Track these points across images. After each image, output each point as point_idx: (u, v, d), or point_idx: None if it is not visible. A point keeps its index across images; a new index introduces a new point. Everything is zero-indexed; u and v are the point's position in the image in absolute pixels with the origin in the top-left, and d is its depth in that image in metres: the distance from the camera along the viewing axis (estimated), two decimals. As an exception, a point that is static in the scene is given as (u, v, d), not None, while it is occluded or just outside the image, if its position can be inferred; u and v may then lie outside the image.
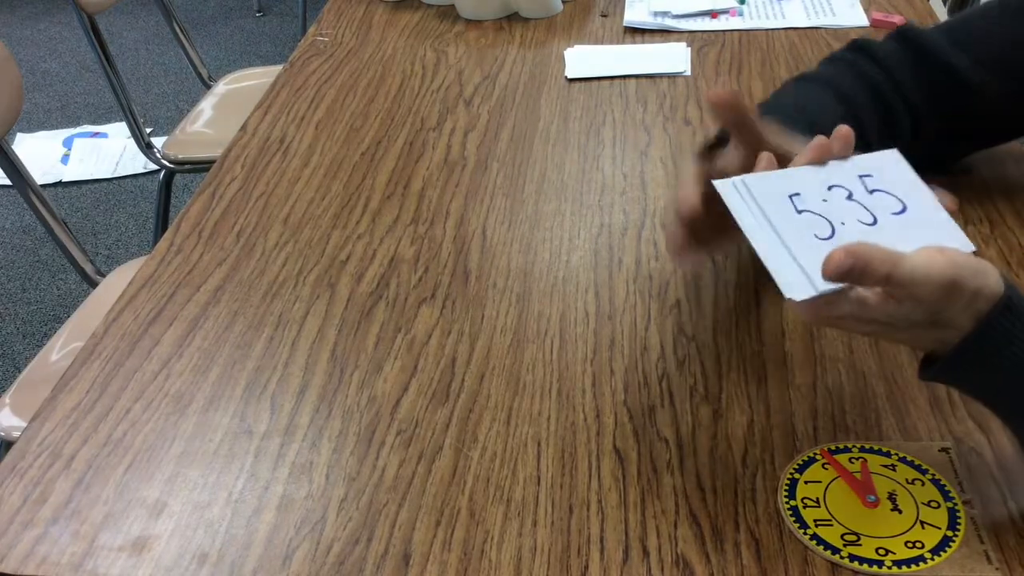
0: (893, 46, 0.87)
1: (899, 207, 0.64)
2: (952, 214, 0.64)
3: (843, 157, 0.66)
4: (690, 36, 1.28)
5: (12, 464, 0.71)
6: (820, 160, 0.65)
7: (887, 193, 0.65)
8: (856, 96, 0.83)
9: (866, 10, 1.31)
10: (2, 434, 1.20)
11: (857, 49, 0.88)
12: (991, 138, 0.92)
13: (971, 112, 0.86)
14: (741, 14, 1.33)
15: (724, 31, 1.29)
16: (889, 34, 0.88)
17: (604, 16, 1.36)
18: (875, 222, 0.63)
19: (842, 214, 0.63)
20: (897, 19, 1.26)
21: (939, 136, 0.87)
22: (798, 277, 0.59)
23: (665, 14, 1.33)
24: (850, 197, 0.64)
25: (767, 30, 1.29)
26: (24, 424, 0.75)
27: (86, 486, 0.69)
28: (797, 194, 0.64)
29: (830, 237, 0.62)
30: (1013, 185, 0.93)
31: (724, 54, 1.23)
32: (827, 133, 0.77)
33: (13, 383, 1.27)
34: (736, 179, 0.63)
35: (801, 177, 0.65)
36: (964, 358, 0.57)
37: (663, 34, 1.30)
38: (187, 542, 0.64)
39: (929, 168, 0.91)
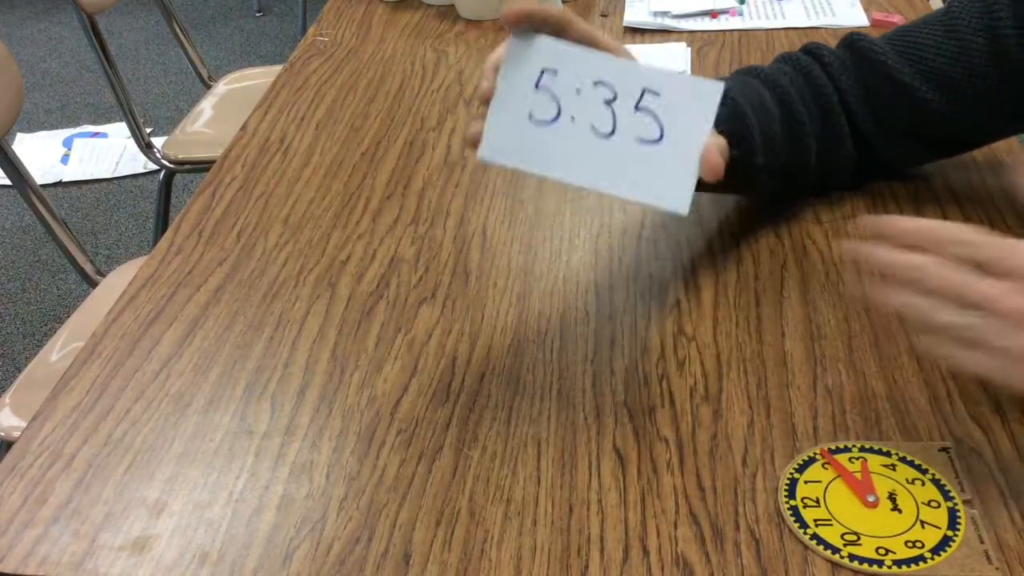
0: (841, 53, 0.88)
1: (654, 135, 0.61)
2: (712, 177, 0.62)
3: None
4: (690, 36, 1.28)
5: (12, 464, 0.71)
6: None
7: (655, 118, 0.61)
8: (791, 90, 0.84)
9: (866, 10, 1.31)
10: (2, 434, 1.20)
11: (808, 52, 0.89)
12: (943, 149, 0.92)
13: (917, 123, 0.86)
14: (741, 14, 1.33)
15: (724, 31, 1.29)
16: (840, 41, 0.90)
17: (604, 16, 1.36)
18: (610, 134, 0.61)
19: (581, 111, 0.61)
20: (897, 19, 1.26)
21: (888, 144, 0.88)
22: (486, 141, 0.61)
23: (665, 14, 1.33)
24: (610, 102, 0.62)
25: (767, 30, 1.29)
26: (24, 424, 0.76)
27: (86, 486, 0.69)
28: (555, 71, 0.62)
29: (545, 123, 0.61)
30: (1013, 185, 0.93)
31: (724, 54, 1.23)
32: (753, 128, 0.79)
33: (13, 383, 1.27)
34: (520, 36, 0.63)
35: (582, 60, 0.62)
36: None
37: (663, 34, 1.30)
38: (187, 542, 0.64)
39: (885, 174, 0.92)
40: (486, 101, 0.64)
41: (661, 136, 0.61)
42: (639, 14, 1.34)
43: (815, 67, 0.87)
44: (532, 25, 0.64)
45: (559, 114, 0.62)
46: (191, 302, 0.86)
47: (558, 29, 0.66)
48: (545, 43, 0.63)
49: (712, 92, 0.62)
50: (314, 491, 0.67)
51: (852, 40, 0.88)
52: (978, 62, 0.82)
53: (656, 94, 0.62)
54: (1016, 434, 0.68)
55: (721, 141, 0.65)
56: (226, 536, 0.64)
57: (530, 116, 0.62)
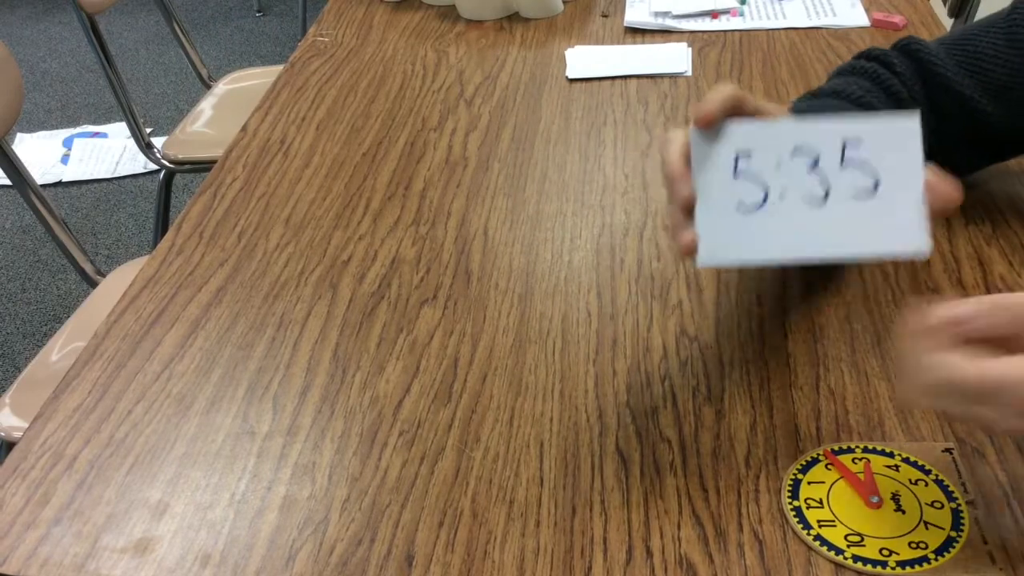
0: (901, 59, 0.85)
1: (869, 185, 0.59)
2: (947, 210, 0.60)
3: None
4: (691, 36, 1.28)
5: (14, 465, 0.71)
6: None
7: (862, 168, 0.59)
8: (876, 106, 0.82)
9: (867, 10, 1.31)
10: (2, 434, 1.20)
11: (872, 58, 0.86)
12: (997, 156, 0.90)
13: (974, 133, 0.84)
14: (742, 14, 1.33)
15: (725, 31, 1.29)
16: (894, 46, 0.87)
17: (605, 16, 1.36)
18: (824, 199, 0.59)
19: (788, 185, 0.60)
20: (898, 19, 1.26)
21: (943, 153, 0.84)
22: (703, 245, 0.59)
23: (666, 14, 1.33)
24: (814, 165, 0.60)
25: (768, 30, 1.29)
26: (24, 424, 0.75)
27: (88, 487, 0.69)
28: (748, 153, 0.60)
29: (756, 208, 0.59)
30: (1014, 185, 0.93)
31: (725, 54, 1.23)
32: None
33: (13, 383, 1.27)
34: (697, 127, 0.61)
35: (771, 133, 0.61)
36: None
37: (664, 34, 1.29)
38: (189, 543, 0.64)
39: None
40: (687, 208, 0.62)
41: (877, 185, 0.59)
42: (640, 14, 1.34)
43: (891, 78, 0.84)
44: (719, 119, 0.63)
45: (767, 195, 0.60)
46: (192, 303, 0.85)
47: (737, 109, 0.64)
48: (729, 129, 0.61)
49: (911, 123, 0.60)
50: (316, 492, 0.67)
51: (911, 48, 0.85)
52: None
53: (856, 144, 0.60)
54: (1019, 435, 0.68)
55: (936, 168, 0.62)
56: (228, 537, 0.64)
57: (739, 206, 0.60)
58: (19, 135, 2.99)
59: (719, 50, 1.24)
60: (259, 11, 3.79)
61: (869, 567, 0.59)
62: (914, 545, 0.60)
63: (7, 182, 1.42)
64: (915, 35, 0.87)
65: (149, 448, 0.71)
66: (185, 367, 0.79)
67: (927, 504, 0.63)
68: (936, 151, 0.84)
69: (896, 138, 0.60)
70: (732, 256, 0.60)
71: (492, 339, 0.79)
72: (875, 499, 0.63)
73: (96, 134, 3.00)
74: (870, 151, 0.60)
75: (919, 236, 0.59)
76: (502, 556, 0.62)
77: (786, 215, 0.60)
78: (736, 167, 0.61)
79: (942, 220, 0.89)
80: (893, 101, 0.83)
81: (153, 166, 2.02)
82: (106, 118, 3.08)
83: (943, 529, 0.61)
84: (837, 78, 0.87)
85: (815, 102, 0.83)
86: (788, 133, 0.61)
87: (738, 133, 0.61)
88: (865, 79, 0.84)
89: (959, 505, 0.63)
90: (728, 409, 0.71)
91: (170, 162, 1.89)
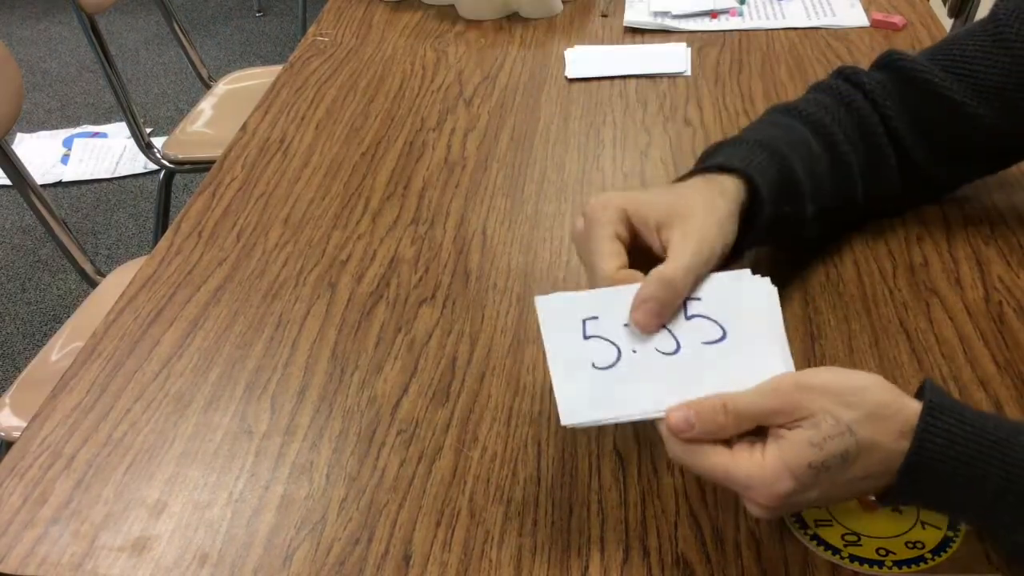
0: (881, 76, 0.84)
1: (717, 335, 0.61)
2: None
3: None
4: (690, 36, 1.28)
5: (12, 464, 0.71)
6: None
7: (708, 319, 0.62)
8: (835, 129, 0.81)
9: (866, 10, 1.31)
10: (2, 434, 1.20)
11: (846, 79, 0.85)
12: (992, 163, 0.88)
13: (968, 140, 0.83)
14: (741, 14, 1.33)
15: (724, 31, 1.29)
16: (874, 62, 0.86)
17: (604, 16, 1.36)
18: (677, 350, 0.61)
19: (639, 341, 0.61)
20: (897, 19, 1.26)
21: (938, 167, 0.84)
22: (562, 405, 0.59)
23: (665, 14, 1.33)
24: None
25: (767, 30, 1.29)
26: (24, 424, 0.76)
27: (86, 486, 0.69)
28: (594, 317, 0.62)
29: (611, 366, 0.61)
30: (1013, 185, 0.93)
31: (724, 54, 1.23)
32: (803, 184, 0.76)
33: (13, 383, 1.27)
34: (543, 298, 0.63)
35: (610, 299, 0.62)
36: (912, 475, 0.54)
37: (663, 34, 1.30)
38: (187, 542, 0.64)
39: (929, 195, 0.90)
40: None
41: (724, 333, 0.61)
42: (639, 14, 1.34)
43: (857, 97, 0.82)
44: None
45: (620, 353, 0.61)
46: (191, 302, 0.86)
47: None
48: (571, 298, 0.63)
49: (744, 276, 0.62)
50: (314, 491, 0.67)
51: (891, 60, 0.84)
52: None
53: (698, 299, 0.62)
54: (1016, 434, 0.67)
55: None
56: (226, 537, 0.64)
57: (593, 365, 0.61)
58: (19, 135, 2.99)
59: (718, 50, 1.24)
60: (259, 11, 3.79)
61: (866, 567, 0.59)
62: (911, 545, 0.60)
63: (7, 182, 1.42)
64: (897, 48, 0.85)
65: (147, 447, 0.72)
66: (183, 366, 0.79)
67: (924, 504, 0.63)
68: (923, 164, 0.84)
69: (736, 287, 0.62)
70: (594, 414, 0.60)
71: (490, 339, 0.79)
72: (872, 498, 0.63)
73: (96, 134, 3.00)
74: (710, 305, 0.62)
75: (784, 362, 0.59)
76: (499, 555, 0.62)
77: (643, 369, 0.61)
78: (585, 330, 0.62)
79: (940, 220, 0.89)
80: (852, 117, 0.82)
81: (153, 166, 2.01)
82: (106, 118, 3.09)
83: (940, 529, 0.61)
84: (808, 94, 0.86)
85: (773, 118, 0.82)
86: (628, 297, 0.62)
87: (581, 301, 0.63)
88: (827, 95, 0.84)
89: (956, 505, 0.63)
90: (726, 409, 0.71)
91: (170, 162, 1.89)
